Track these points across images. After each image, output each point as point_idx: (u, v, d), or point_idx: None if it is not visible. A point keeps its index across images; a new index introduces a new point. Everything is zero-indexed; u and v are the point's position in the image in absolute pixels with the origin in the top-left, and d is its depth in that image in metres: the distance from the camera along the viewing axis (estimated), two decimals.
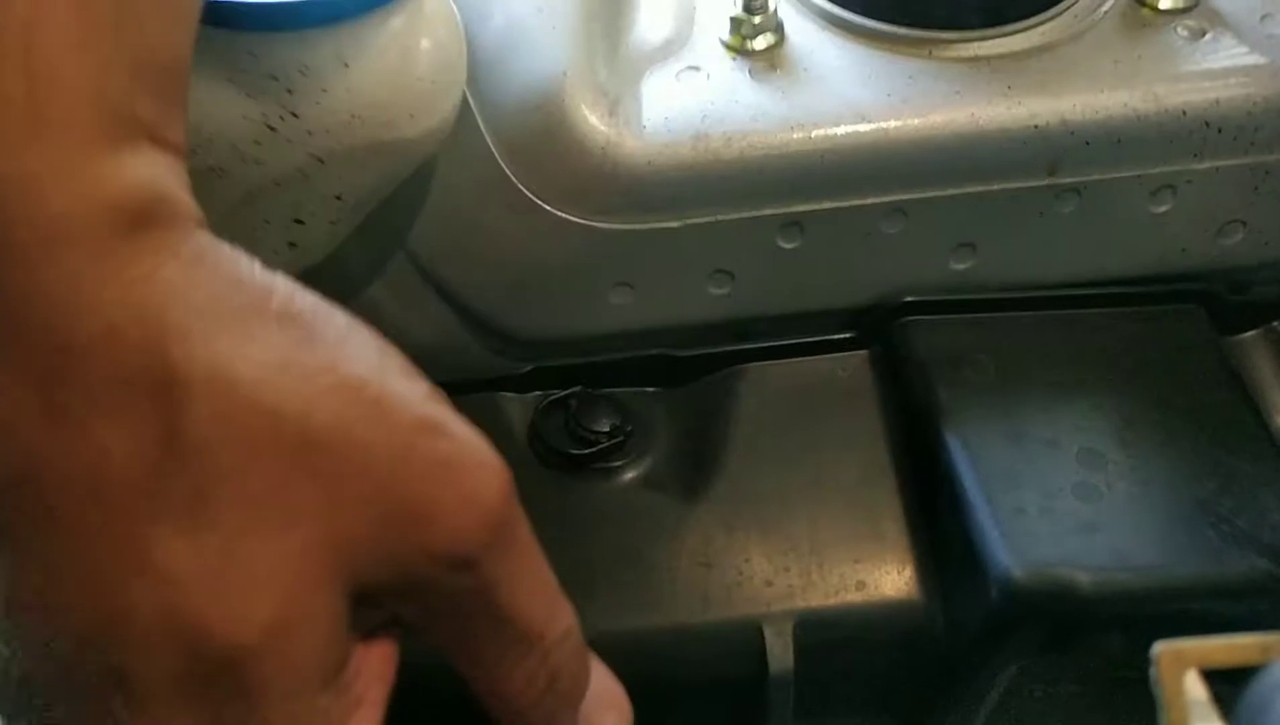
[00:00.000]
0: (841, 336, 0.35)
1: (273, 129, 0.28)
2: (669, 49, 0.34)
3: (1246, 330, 0.36)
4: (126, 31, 0.16)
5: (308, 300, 0.17)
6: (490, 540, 0.17)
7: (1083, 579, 0.27)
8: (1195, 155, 0.32)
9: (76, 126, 0.15)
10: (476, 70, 0.31)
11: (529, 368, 0.35)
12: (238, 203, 0.29)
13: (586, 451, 0.33)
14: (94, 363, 0.14)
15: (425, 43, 0.28)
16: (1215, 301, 0.34)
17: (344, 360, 0.16)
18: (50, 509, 0.14)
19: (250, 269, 0.17)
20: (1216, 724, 0.15)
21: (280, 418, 0.15)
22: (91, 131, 0.15)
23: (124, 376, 0.14)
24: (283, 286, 0.17)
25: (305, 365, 0.16)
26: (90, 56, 0.15)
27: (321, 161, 0.28)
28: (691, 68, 0.33)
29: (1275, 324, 0.36)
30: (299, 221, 0.30)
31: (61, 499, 0.14)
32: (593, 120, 0.31)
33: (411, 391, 0.17)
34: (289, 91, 0.27)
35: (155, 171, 0.16)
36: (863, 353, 0.34)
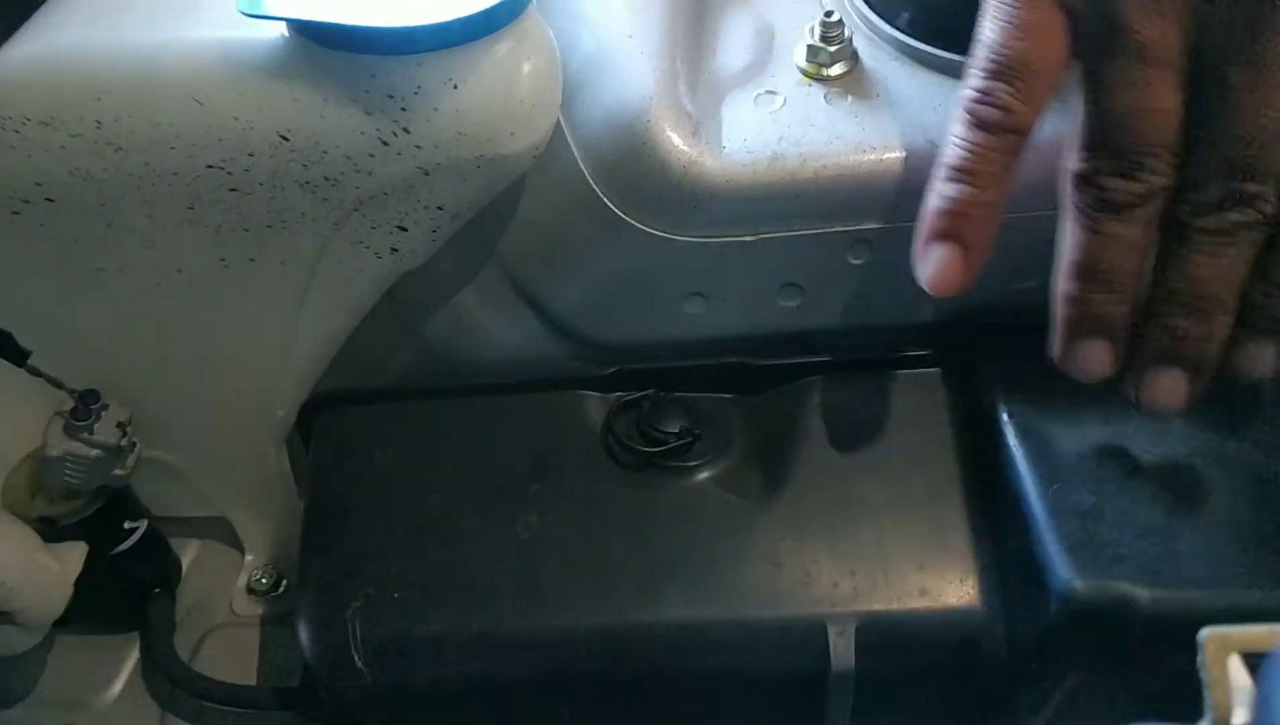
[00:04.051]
0: (915, 353, 0.36)
1: (385, 143, 0.30)
2: (748, 74, 0.35)
3: None
4: None
5: None
6: None
7: (1142, 594, 0.28)
8: None
9: None
10: (567, 92, 0.33)
11: (611, 371, 0.36)
12: (348, 210, 0.32)
13: (655, 450, 0.35)
14: None
15: (526, 66, 0.30)
16: None
17: None
18: None
19: None
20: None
21: None
22: None
23: None
24: None
25: None
26: None
27: (427, 174, 0.31)
28: (769, 92, 0.35)
29: None
30: (402, 228, 0.33)
31: None
32: (676, 141, 0.33)
33: None
34: (403, 109, 0.29)
35: None
36: (935, 370, 0.36)
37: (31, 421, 0.36)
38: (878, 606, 0.32)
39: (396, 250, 0.33)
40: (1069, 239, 0.28)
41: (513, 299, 0.37)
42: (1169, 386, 0.28)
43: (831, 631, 0.31)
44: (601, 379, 0.37)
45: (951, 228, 0.27)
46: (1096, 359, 0.28)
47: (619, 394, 0.37)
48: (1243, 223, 0.26)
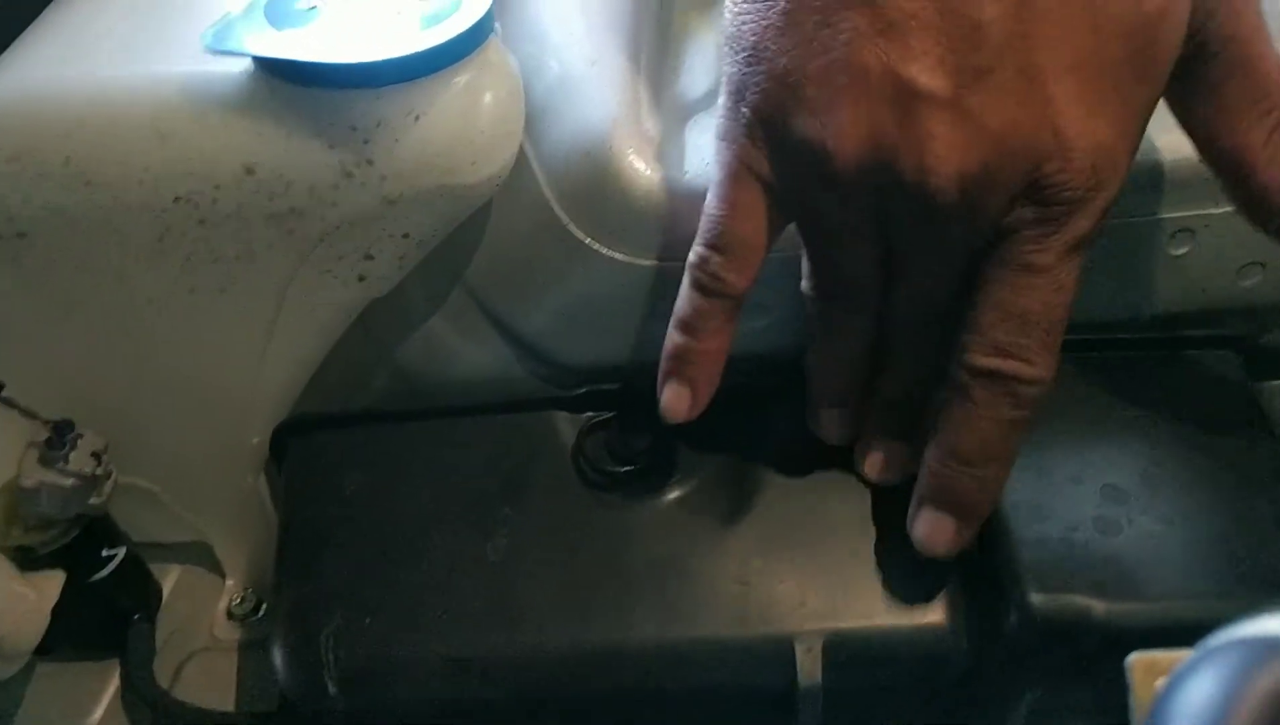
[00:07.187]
0: None
1: (349, 175, 0.31)
2: (711, 98, 0.36)
3: None
4: None
5: None
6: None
7: (1098, 607, 0.29)
8: (1213, 200, 0.33)
9: None
10: (532, 118, 0.34)
11: (581, 391, 0.37)
12: (315, 240, 0.33)
13: (624, 470, 0.35)
14: None
15: (488, 97, 0.31)
16: (1248, 346, 0.36)
17: None
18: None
19: None
20: None
21: None
22: None
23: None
24: None
25: None
26: None
27: (391, 204, 0.31)
28: None
29: None
30: (369, 257, 0.33)
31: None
32: (639, 166, 0.33)
33: None
34: (365, 142, 0.30)
35: None
36: None
37: (6, 452, 0.37)
38: (844, 623, 0.32)
39: (364, 278, 0.34)
40: (809, 335, 0.34)
41: (482, 323, 0.38)
42: (885, 457, 0.34)
43: (799, 649, 0.32)
44: (571, 399, 0.37)
45: (678, 370, 0.32)
46: (837, 424, 0.35)
47: (589, 414, 0.37)
48: (937, 347, 0.31)
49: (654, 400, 0.37)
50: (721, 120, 0.30)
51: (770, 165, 0.29)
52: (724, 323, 0.31)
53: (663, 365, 0.32)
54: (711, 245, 0.30)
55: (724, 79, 0.30)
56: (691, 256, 0.31)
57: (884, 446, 0.34)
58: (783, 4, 0.28)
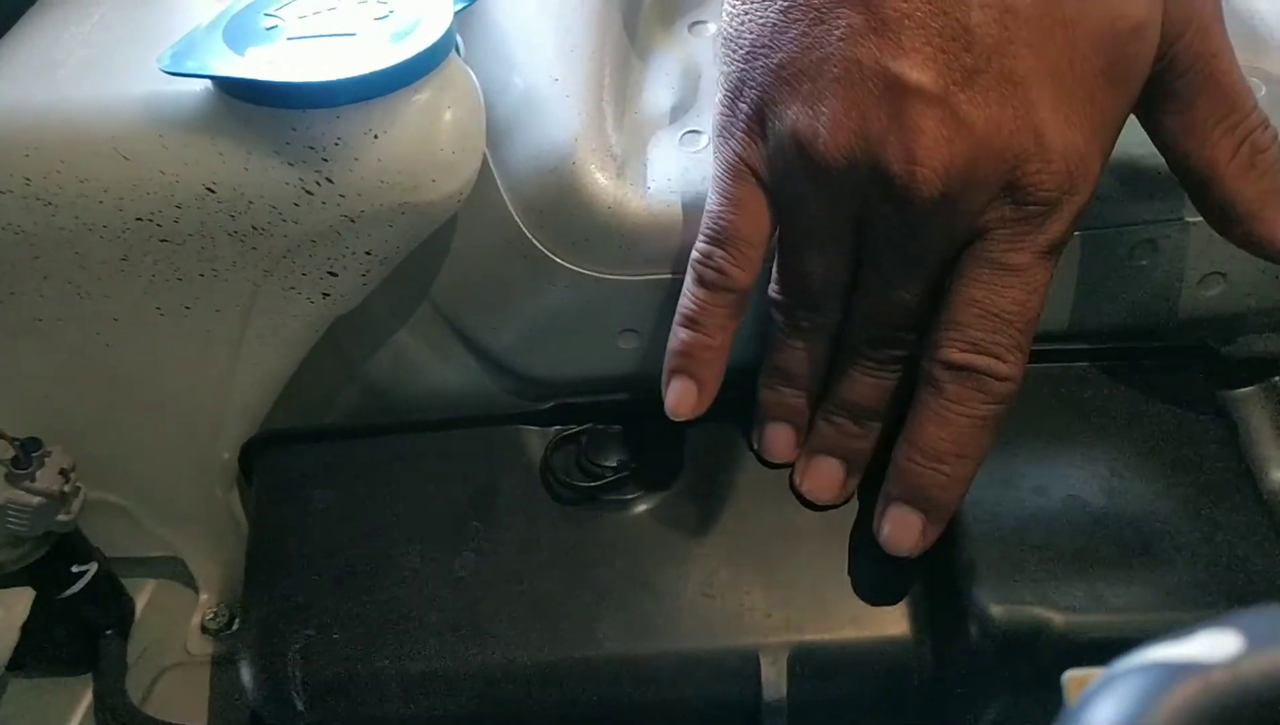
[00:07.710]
0: None
1: (310, 193, 0.31)
2: (674, 115, 0.36)
3: (1246, 385, 0.37)
4: None
5: None
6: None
7: (1056, 619, 0.29)
8: (1174, 213, 0.33)
9: None
10: (496, 134, 0.34)
11: (550, 405, 0.37)
12: (278, 257, 0.33)
13: (593, 484, 0.35)
14: None
15: (448, 115, 0.31)
16: (1212, 356, 0.36)
17: None
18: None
19: None
20: None
21: None
22: None
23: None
24: None
25: None
26: None
27: (352, 221, 0.31)
28: (693, 132, 0.35)
29: (1275, 379, 0.37)
30: (332, 274, 0.33)
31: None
32: (602, 181, 0.33)
33: None
34: (325, 160, 0.30)
35: None
36: None
37: None
38: (809, 636, 0.32)
39: (328, 294, 0.34)
40: (767, 345, 0.34)
41: (449, 338, 0.38)
42: (826, 473, 0.34)
43: (764, 661, 0.32)
44: (540, 413, 0.37)
45: (684, 366, 0.32)
46: (783, 441, 0.35)
47: (557, 428, 0.37)
48: (892, 357, 0.32)
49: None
50: (719, 117, 0.31)
51: (765, 160, 0.30)
52: (728, 318, 0.31)
53: (668, 362, 0.32)
54: (713, 240, 0.31)
55: (721, 77, 0.31)
56: (694, 253, 0.31)
57: (823, 464, 0.34)
58: (781, 3, 0.28)
